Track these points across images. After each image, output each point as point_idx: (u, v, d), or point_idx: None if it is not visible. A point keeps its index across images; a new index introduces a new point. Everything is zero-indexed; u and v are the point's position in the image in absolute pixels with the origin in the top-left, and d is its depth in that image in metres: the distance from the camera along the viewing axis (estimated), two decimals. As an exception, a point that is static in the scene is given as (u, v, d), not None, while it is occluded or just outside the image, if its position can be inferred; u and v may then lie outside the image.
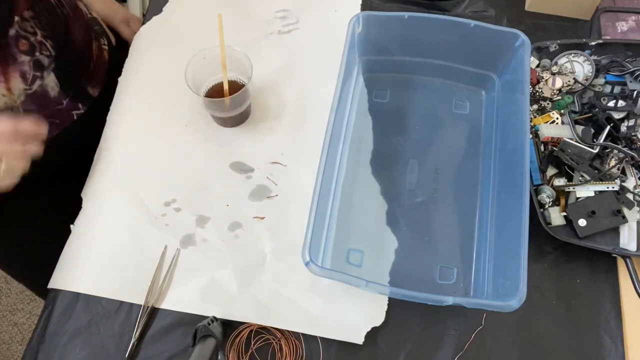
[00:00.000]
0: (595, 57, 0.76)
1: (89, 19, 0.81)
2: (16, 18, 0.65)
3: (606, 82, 0.75)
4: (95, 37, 0.82)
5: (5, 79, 0.66)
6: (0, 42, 0.64)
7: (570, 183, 0.69)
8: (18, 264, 0.88)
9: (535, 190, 0.69)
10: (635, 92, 0.72)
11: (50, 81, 0.71)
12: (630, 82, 0.74)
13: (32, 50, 0.67)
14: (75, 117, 0.76)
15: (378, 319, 0.64)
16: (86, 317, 0.65)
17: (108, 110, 0.78)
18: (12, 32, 0.65)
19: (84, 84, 0.78)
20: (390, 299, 0.65)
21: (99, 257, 0.68)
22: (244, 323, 0.64)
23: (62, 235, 0.70)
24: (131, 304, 0.66)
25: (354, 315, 0.64)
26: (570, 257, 0.69)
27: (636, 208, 0.68)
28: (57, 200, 0.77)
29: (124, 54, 0.83)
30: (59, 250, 0.69)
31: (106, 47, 0.84)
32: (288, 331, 0.64)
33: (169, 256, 0.68)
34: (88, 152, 0.75)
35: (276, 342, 0.64)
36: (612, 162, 0.68)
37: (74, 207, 0.71)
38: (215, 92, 0.73)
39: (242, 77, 0.73)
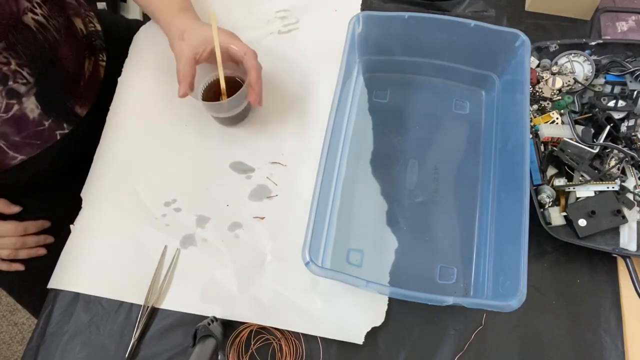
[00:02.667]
0: (595, 57, 0.76)
1: (85, 36, 0.79)
2: None
3: (606, 82, 0.75)
4: (91, 54, 0.79)
5: None
6: None
7: (570, 183, 0.69)
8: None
9: (535, 190, 0.69)
10: (635, 92, 0.72)
11: (30, 104, 0.69)
12: (630, 82, 0.74)
13: (5, 79, 0.66)
14: (58, 137, 0.75)
15: (378, 319, 0.64)
16: (86, 317, 0.65)
17: (97, 127, 0.77)
18: None
19: (71, 104, 0.76)
20: (390, 299, 0.65)
21: (99, 257, 0.68)
22: (244, 323, 0.64)
23: (62, 235, 0.70)
24: (131, 304, 0.66)
25: (354, 315, 0.64)
26: (570, 257, 0.69)
27: (636, 208, 0.68)
28: (57, 201, 0.78)
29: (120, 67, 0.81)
30: (59, 250, 0.69)
31: (103, 63, 0.82)
32: (288, 331, 0.64)
33: (169, 256, 0.68)
34: (87, 153, 0.75)
35: (276, 342, 0.64)
36: (612, 162, 0.68)
37: (74, 207, 0.71)
38: (212, 90, 0.73)
39: (238, 72, 0.73)
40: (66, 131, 0.75)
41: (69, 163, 0.77)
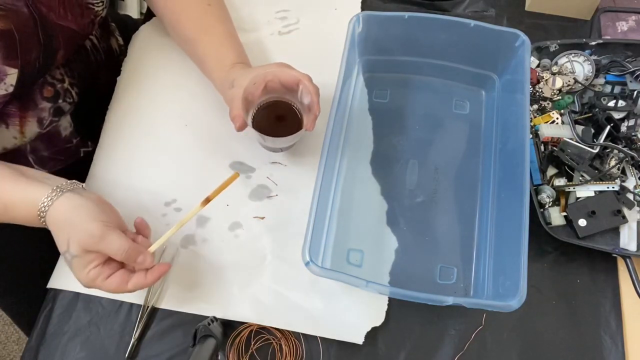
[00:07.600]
0: (595, 57, 0.76)
1: (119, 55, 0.79)
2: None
3: (606, 82, 0.75)
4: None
5: (21, 124, 0.64)
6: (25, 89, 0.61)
7: (571, 183, 0.69)
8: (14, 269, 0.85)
9: (535, 190, 0.69)
10: (635, 92, 0.72)
11: (65, 122, 0.70)
12: (631, 82, 0.74)
13: (56, 97, 0.66)
14: (82, 154, 0.75)
15: (378, 319, 0.64)
16: (86, 317, 0.65)
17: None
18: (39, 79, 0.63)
19: (98, 123, 0.75)
20: (390, 299, 0.65)
21: (99, 257, 0.68)
22: (244, 323, 0.64)
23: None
24: (131, 304, 0.66)
25: (354, 315, 0.64)
26: (570, 257, 0.69)
27: (636, 208, 0.68)
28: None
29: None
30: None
31: None
32: (288, 331, 0.64)
33: (169, 256, 0.68)
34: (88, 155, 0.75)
35: (276, 342, 0.64)
36: (612, 162, 0.68)
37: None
38: (262, 115, 0.69)
39: (288, 96, 0.68)
40: (90, 149, 0.76)
41: (84, 178, 0.76)
